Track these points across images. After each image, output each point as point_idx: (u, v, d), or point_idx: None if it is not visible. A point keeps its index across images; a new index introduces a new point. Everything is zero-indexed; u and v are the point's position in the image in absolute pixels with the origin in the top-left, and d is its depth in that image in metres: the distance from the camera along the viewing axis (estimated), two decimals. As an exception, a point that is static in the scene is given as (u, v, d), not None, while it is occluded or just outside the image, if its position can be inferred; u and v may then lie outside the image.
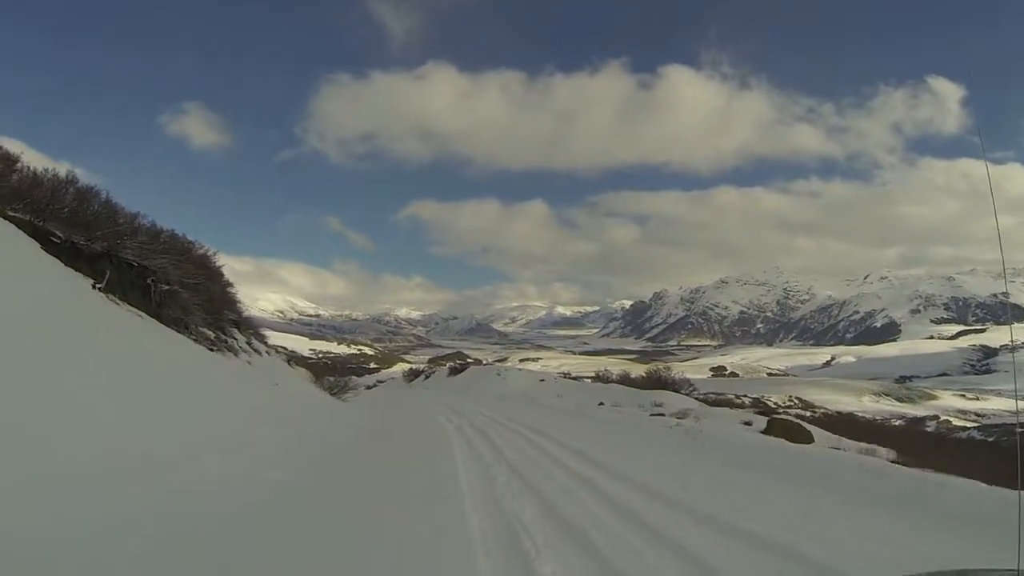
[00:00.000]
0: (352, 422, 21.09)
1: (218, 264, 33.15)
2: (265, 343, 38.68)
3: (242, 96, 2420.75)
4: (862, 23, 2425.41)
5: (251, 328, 36.84)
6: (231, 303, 35.90)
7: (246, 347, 28.58)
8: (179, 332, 20.59)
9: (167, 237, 25.73)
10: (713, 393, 61.07)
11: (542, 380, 56.02)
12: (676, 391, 40.85)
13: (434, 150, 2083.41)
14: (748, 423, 21.89)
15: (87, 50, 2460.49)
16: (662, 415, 23.04)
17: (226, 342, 24.90)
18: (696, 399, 39.66)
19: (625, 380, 50.36)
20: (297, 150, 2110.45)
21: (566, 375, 63.93)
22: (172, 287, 21.38)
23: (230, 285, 38.37)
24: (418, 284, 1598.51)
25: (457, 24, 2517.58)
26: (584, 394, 40.71)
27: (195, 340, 21.37)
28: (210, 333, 23.44)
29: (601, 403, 32.25)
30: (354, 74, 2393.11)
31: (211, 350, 22.00)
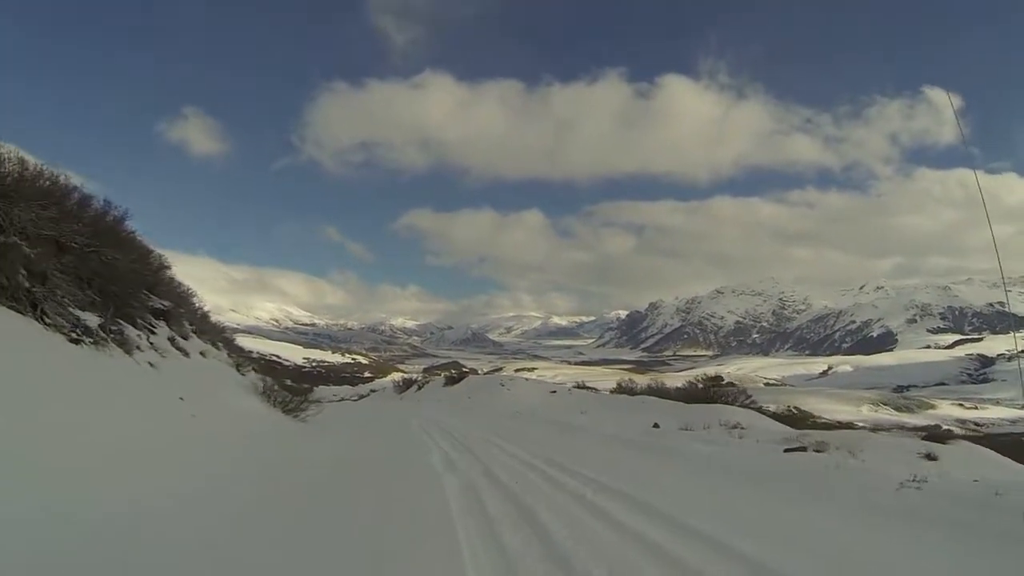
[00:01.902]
0: (273, 481, 12.13)
1: (130, 230, 24.66)
2: (216, 343, 30.82)
3: (241, 103, 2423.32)
4: (860, 33, 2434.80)
5: (194, 322, 28.96)
6: (162, 287, 28.06)
7: (166, 344, 20.34)
8: (17, 310, 12.55)
9: (32, 174, 17.22)
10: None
11: (554, 392, 47.20)
12: (728, 403, 32.53)
13: (431, 159, 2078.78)
14: (930, 456, 13.71)
15: (87, 55, 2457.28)
16: (801, 449, 14.39)
17: (120, 334, 16.52)
18: (768, 415, 31.32)
19: (658, 392, 41.62)
20: (294, 158, 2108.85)
21: (580, 386, 54.79)
22: (9, 240, 13.39)
23: (165, 267, 30.46)
24: (414, 294, 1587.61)
25: (456, 34, 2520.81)
26: (618, 411, 32.18)
27: (48, 325, 13.29)
28: (92, 318, 15.14)
29: (656, 425, 23.86)
30: (351, 82, 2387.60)
31: (74, 342, 13.72)
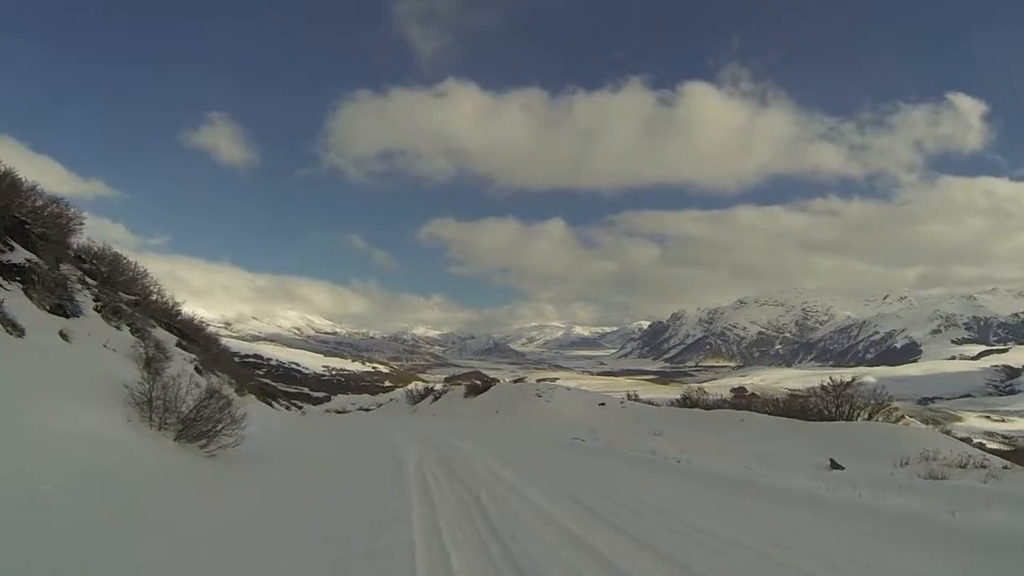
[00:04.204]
0: None
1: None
2: (138, 328, 21.75)
3: (266, 110, 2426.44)
4: (883, 39, 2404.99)
5: (100, 297, 19.98)
6: (53, 245, 19.27)
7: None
8: None
9: None
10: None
11: (602, 404, 37.05)
12: (871, 418, 22.68)
13: (455, 168, 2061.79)
14: None
15: (116, 63, 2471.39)
16: None
17: None
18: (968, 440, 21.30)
19: (738, 404, 31.63)
20: (318, 167, 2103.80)
21: (632, 397, 44.45)
22: None
23: (68, 218, 22.09)
24: (437, 303, 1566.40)
25: (480, 43, 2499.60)
26: (716, 434, 22.31)
27: None
28: None
29: (835, 463, 14.15)
30: (375, 90, 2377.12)
31: None
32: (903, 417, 26.01)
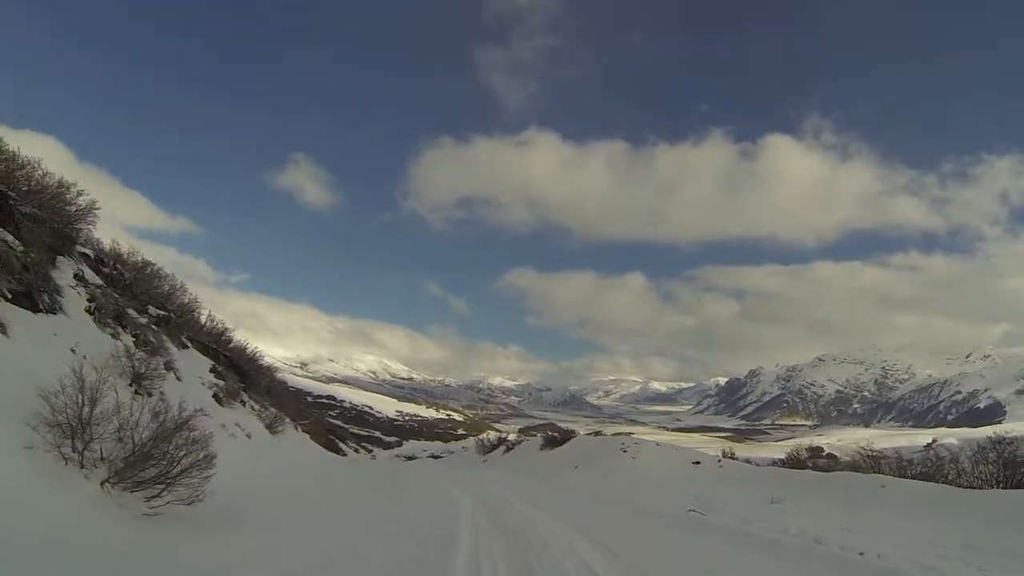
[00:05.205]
0: None
1: None
2: (126, 331, 17.76)
3: (349, 154, 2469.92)
4: (966, 90, 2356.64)
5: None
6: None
7: None
8: None
9: None
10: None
11: (697, 463, 32.08)
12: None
13: (534, 218, 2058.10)
14: None
15: (209, 100, 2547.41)
16: None
17: None
18: None
19: (878, 465, 25.84)
20: (398, 212, 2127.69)
21: (729, 455, 38.36)
22: None
23: None
24: (514, 353, 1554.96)
25: (564, 94, 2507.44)
26: (842, 502, 17.26)
27: None
28: None
29: None
30: (456, 137, 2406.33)
31: None
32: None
